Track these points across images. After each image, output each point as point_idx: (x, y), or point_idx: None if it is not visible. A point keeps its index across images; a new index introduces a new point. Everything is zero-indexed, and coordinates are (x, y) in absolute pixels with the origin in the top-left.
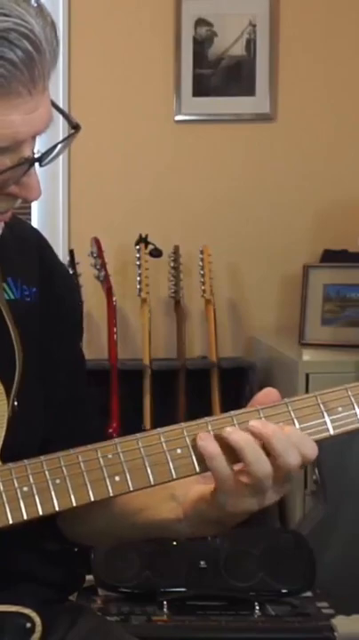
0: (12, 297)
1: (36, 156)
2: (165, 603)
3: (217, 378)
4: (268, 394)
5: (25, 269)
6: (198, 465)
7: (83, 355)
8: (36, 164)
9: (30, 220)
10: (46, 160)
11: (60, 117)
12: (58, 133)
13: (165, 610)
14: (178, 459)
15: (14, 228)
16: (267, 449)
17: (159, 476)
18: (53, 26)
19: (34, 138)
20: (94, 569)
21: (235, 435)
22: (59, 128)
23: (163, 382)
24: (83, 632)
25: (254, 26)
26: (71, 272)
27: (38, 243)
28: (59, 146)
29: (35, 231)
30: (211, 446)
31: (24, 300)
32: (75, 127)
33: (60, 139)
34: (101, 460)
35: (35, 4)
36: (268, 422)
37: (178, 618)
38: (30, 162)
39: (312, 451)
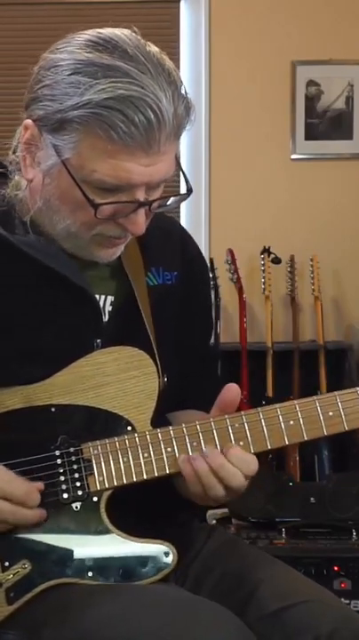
0: (155, 283)
1: (149, 199)
2: (283, 530)
3: (323, 356)
4: (229, 389)
5: (167, 256)
6: (347, 424)
7: (213, 322)
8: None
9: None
10: (155, 208)
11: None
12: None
13: (283, 535)
14: (290, 428)
15: (159, 221)
16: (217, 476)
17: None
18: (187, 109)
19: (149, 185)
20: (229, 503)
21: (196, 464)
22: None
23: (283, 360)
24: (216, 545)
25: (352, 86)
26: (210, 275)
27: (182, 235)
28: (172, 199)
29: (180, 225)
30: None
31: (165, 284)
32: (188, 191)
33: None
34: (246, 424)
35: (175, 90)
36: (218, 455)
37: (293, 541)
38: (139, 204)
39: (253, 468)
